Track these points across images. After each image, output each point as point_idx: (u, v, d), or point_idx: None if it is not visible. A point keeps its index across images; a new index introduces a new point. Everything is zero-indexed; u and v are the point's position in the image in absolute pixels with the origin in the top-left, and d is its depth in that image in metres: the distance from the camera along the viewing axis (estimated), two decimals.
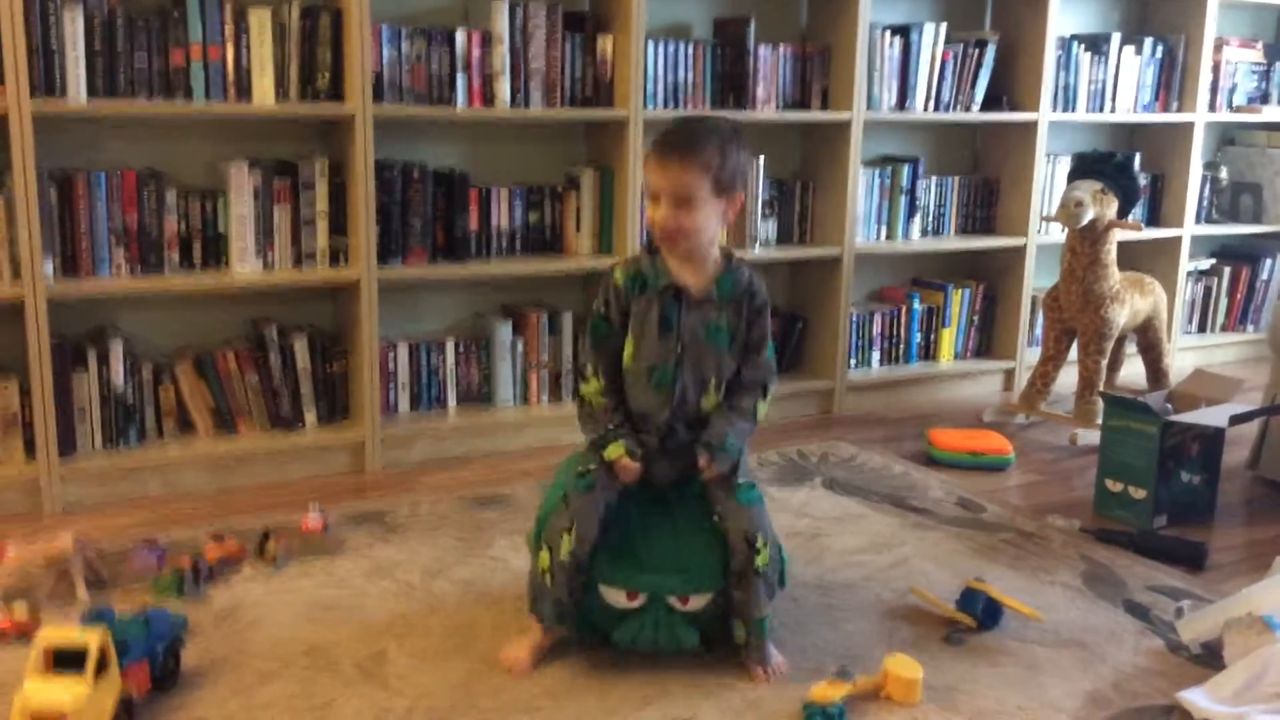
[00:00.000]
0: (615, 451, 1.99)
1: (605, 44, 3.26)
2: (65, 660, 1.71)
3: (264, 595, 2.28)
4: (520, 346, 3.34)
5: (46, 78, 2.66)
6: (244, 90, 2.86)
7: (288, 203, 2.98)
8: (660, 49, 3.34)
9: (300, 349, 3.03)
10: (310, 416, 3.07)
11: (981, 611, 2.19)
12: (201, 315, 3.06)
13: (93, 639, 1.72)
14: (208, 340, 3.05)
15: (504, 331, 3.31)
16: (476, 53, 3.10)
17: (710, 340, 2.01)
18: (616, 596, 1.98)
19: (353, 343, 3.10)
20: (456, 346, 3.28)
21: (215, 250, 2.95)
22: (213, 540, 2.43)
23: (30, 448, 2.75)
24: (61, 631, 1.76)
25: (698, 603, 1.98)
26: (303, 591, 2.30)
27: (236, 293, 3.02)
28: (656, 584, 1.97)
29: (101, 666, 1.72)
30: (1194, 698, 1.90)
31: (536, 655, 2.03)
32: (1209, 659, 2.07)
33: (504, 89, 3.14)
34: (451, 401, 3.30)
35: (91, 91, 2.71)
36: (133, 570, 2.35)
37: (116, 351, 2.83)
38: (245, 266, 2.96)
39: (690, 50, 3.40)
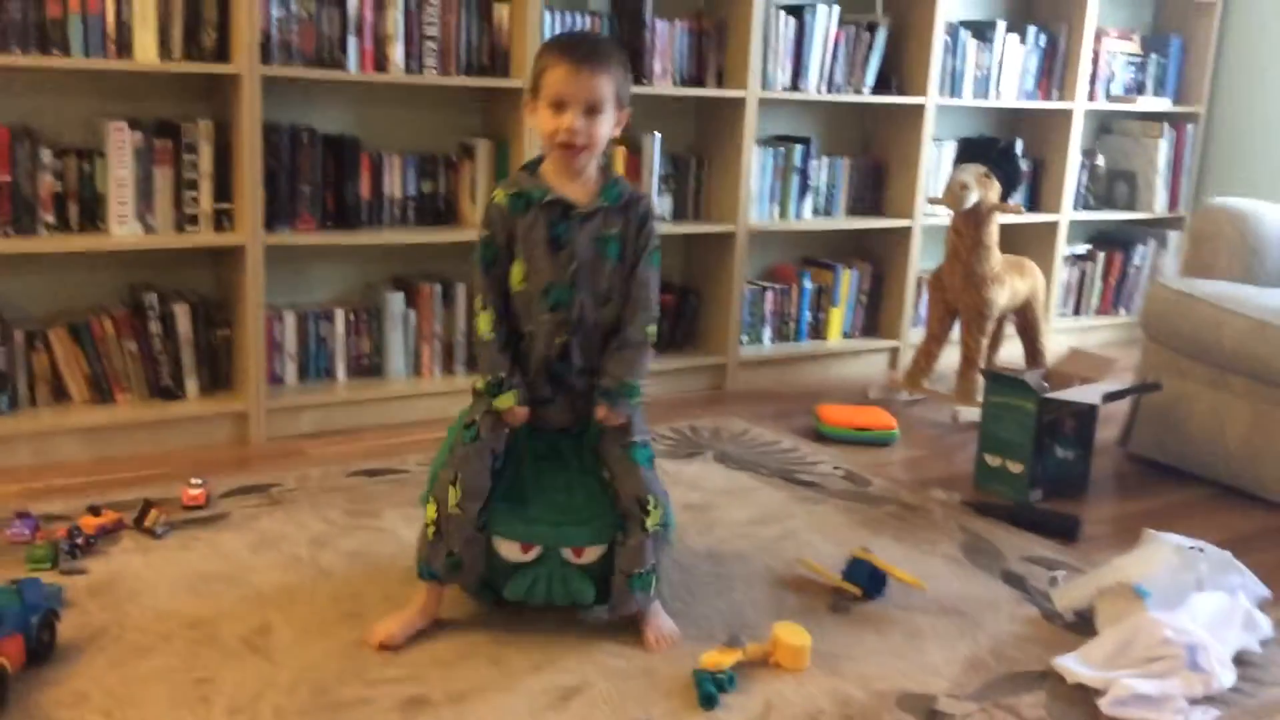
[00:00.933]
0: (506, 402, 1.96)
1: (502, 12, 3.22)
2: None
3: (144, 568, 2.21)
4: (413, 318, 3.29)
5: None
6: (124, 46, 2.75)
7: (170, 164, 2.88)
8: (557, 20, 3.31)
9: (182, 316, 2.94)
10: (192, 385, 2.98)
11: (867, 581, 2.24)
12: (77, 279, 2.94)
13: None
14: (84, 305, 2.93)
15: (395, 302, 3.25)
16: (369, 16, 3.04)
17: (603, 253, 1.98)
18: (510, 549, 1.97)
19: (237, 311, 3.01)
20: (346, 316, 3.22)
21: (92, 212, 2.84)
22: (89, 513, 2.35)
23: None
24: None
25: (592, 554, 1.98)
26: (184, 564, 2.24)
27: (114, 256, 2.91)
28: (551, 536, 1.95)
29: None
30: (1067, 663, 1.97)
31: (409, 630, 1.98)
32: (1082, 626, 2.15)
33: (397, 53, 3.08)
34: (340, 372, 3.23)
35: None
36: (4, 542, 2.25)
37: None
38: (124, 229, 2.85)
39: (587, 22, 3.38)
